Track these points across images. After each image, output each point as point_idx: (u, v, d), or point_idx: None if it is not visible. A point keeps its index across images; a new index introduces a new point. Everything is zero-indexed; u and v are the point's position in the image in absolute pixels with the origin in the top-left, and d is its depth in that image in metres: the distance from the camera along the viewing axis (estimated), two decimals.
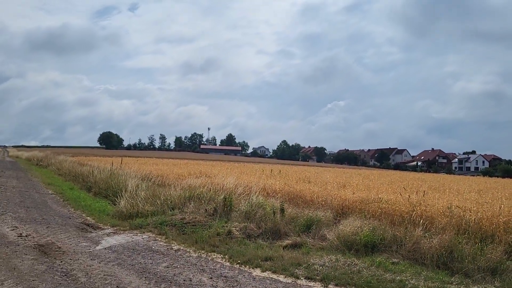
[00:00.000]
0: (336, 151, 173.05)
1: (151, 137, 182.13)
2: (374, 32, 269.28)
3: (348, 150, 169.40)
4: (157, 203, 13.04)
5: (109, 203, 15.17)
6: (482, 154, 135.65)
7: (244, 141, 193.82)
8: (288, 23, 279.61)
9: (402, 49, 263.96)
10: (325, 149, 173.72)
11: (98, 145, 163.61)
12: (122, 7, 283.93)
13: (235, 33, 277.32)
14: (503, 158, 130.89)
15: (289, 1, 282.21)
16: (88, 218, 12.52)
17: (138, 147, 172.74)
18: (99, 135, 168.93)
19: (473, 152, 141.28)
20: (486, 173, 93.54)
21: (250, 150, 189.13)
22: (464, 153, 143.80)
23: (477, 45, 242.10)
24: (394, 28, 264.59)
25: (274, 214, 10.84)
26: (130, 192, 14.29)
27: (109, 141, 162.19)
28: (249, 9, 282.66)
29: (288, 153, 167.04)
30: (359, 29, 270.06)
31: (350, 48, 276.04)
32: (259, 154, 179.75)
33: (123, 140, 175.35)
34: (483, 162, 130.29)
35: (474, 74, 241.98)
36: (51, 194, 18.04)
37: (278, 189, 14.31)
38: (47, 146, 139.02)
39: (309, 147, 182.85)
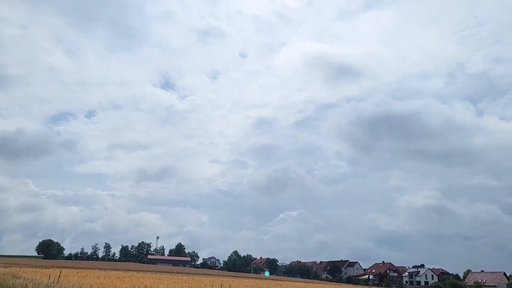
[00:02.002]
0: (288, 263, 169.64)
1: (95, 246, 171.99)
2: (323, 146, 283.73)
3: (300, 262, 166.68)
4: None
5: None
6: (431, 267, 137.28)
7: (194, 251, 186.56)
8: (242, 135, 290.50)
9: (350, 163, 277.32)
10: (277, 260, 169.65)
11: (36, 254, 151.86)
12: (79, 113, 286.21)
13: (191, 142, 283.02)
14: (450, 272, 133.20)
15: (243, 114, 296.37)
16: None
17: (80, 257, 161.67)
18: (38, 243, 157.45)
19: (422, 266, 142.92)
20: None
21: (200, 261, 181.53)
22: (413, 267, 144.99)
23: (419, 163, 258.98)
24: (341, 144, 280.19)
25: None
26: None
27: (49, 250, 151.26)
28: (205, 120, 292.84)
29: (239, 264, 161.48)
30: (309, 143, 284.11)
31: (301, 160, 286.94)
32: (209, 265, 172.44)
33: (64, 249, 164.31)
34: (432, 276, 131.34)
35: (417, 189, 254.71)
36: None
37: None
38: None
39: (261, 258, 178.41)
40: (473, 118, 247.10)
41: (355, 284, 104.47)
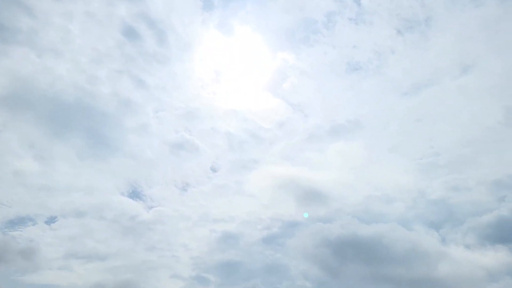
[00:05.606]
0: None
1: None
2: (288, 265, 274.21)
3: None
4: None
5: None
6: None
7: None
8: (207, 249, 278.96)
9: (316, 285, 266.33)
10: None
11: None
12: (39, 219, 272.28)
13: (152, 254, 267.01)
14: None
15: (209, 228, 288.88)
16: None
17: None
18: None
19: None
20: None
21: None
22: None
23: None
24: (308, 264, 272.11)
25: None
26: None
27: None
28: (170, 232, 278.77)
29: None
30: (274, 261, 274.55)
31: (267, 279, 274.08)
32: None
33: None
34: None
35: None
36: None
37: None
38: None
39: None
40: (437, 244, 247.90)
41: None
